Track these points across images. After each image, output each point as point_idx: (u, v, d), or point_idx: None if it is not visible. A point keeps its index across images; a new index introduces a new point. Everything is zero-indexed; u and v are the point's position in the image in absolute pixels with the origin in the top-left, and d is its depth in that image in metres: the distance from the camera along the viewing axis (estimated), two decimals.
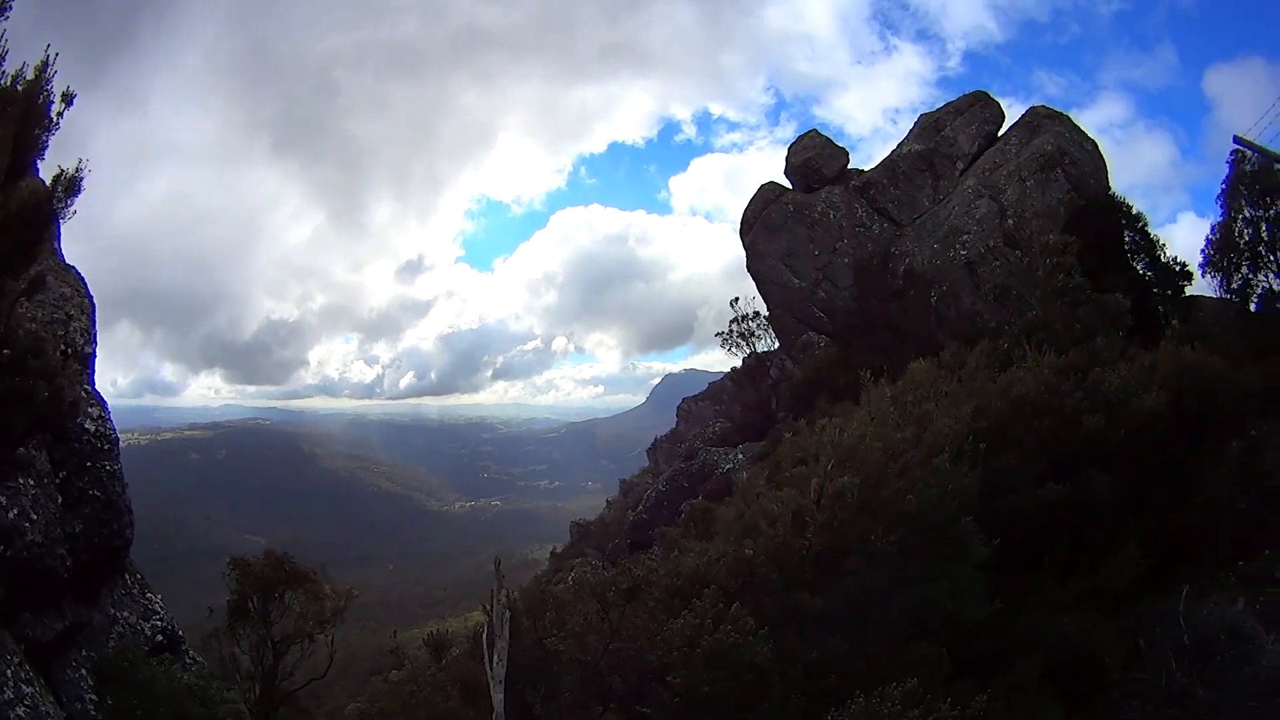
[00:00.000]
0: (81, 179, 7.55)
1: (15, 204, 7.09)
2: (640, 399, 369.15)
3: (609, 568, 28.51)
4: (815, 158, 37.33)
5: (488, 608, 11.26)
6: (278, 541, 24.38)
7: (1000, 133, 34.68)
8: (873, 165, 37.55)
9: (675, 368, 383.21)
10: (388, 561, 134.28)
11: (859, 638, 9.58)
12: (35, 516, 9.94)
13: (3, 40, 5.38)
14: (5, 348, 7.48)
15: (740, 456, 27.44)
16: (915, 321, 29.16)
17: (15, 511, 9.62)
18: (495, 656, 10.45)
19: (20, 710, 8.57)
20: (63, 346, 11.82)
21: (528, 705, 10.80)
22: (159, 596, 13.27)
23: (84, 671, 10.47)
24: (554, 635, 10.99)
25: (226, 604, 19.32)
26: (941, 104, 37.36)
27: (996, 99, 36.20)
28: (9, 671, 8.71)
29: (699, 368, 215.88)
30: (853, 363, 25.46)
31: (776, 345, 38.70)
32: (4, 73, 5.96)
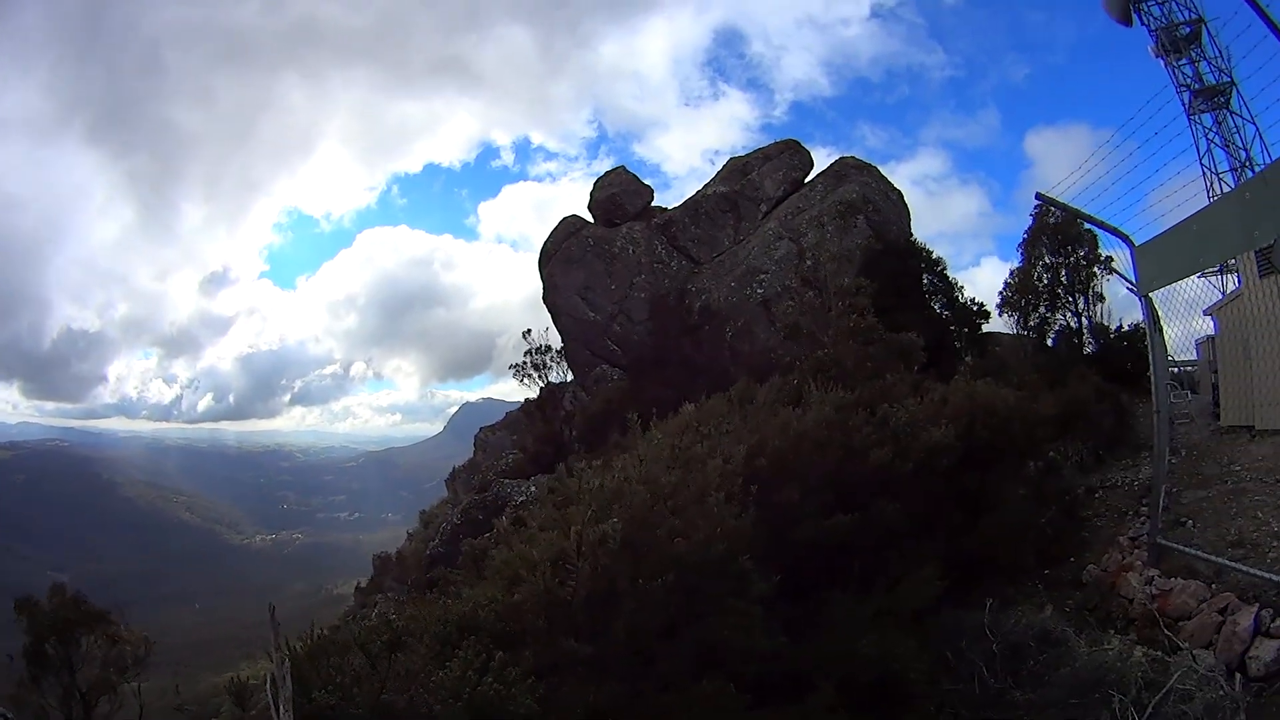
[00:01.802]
0: None
1: None
2: (438, 427, 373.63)
3: (409, 603, 27.88)
4: (620, 194, 38.04)
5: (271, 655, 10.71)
6: (81, 576, 22.61)
7: (808, 179, 35.83)
8: (677, 204, 38.35)
9: (473, 396, 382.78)
10: (194, 599, 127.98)
11: (639, 679, 9.36)
12: None
13: None
14: None
15: (532, 489, 27.15)
16: (710, 356, 29.79)
17: None
18: (281, 708, 9.93)
19: None
20: None
21: None
22: None
23: None
24: (329, 686, 10.49)
25: (22, 651, 17.93)
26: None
27: (806, 148, 37.78)
28: None
29: (497, 397, 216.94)
30: (644, 396, 25.62)
31: (570, 377, 38.78)
32: None
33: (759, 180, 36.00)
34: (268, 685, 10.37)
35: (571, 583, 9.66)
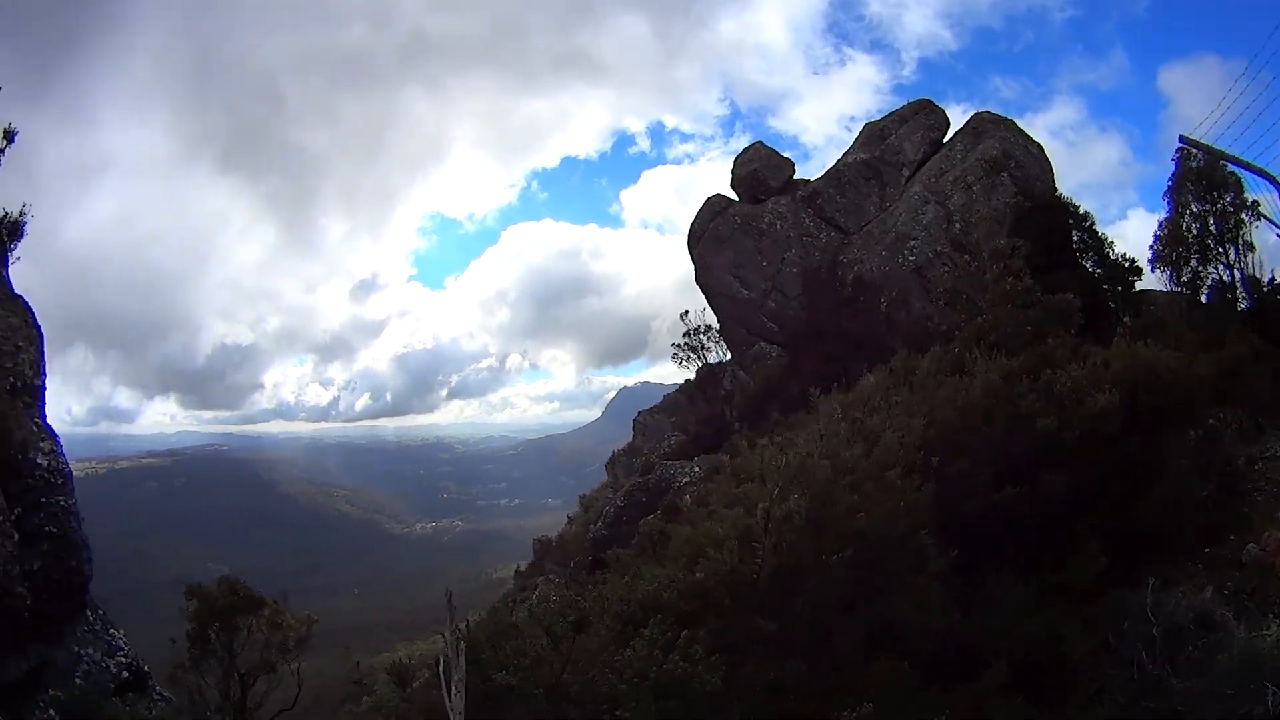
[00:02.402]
0: (24, 224, 7.50)
1: None
2: (596, 413, 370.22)
3: (570, 586, 28.41)
4: (761, 169, 37.69)
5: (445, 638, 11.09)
6: (240, 569, 23.90)
7: (945, 139, 35.08)
8: (819, 175, 37.79)
9: (630, 381, 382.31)
10: (353, 587, 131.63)
11: (818, 657, 9.47)
12: None
13: None
14: None
15: (696, 470, 27.16)
16: (866, 328, 29.37)
17: None
18: (454, 688, 10.24)
19: None
20: (11, 380, 11.69)
21: None
22: (122, 632, 13.11)
23: (52, 712, 10.37)
24: (510, 667, 10.80)
25: (186, 635, 19.09)
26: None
27: (940, 106, 36.66)
28: None
29: (653, 380, 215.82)
30: (803, 372, 25.56)
31: (729, 356, 38.93)
32: None
33: (898, 144, 35.30)
34: (439, 666, 10.86)
35: (756, 560, 9.89)
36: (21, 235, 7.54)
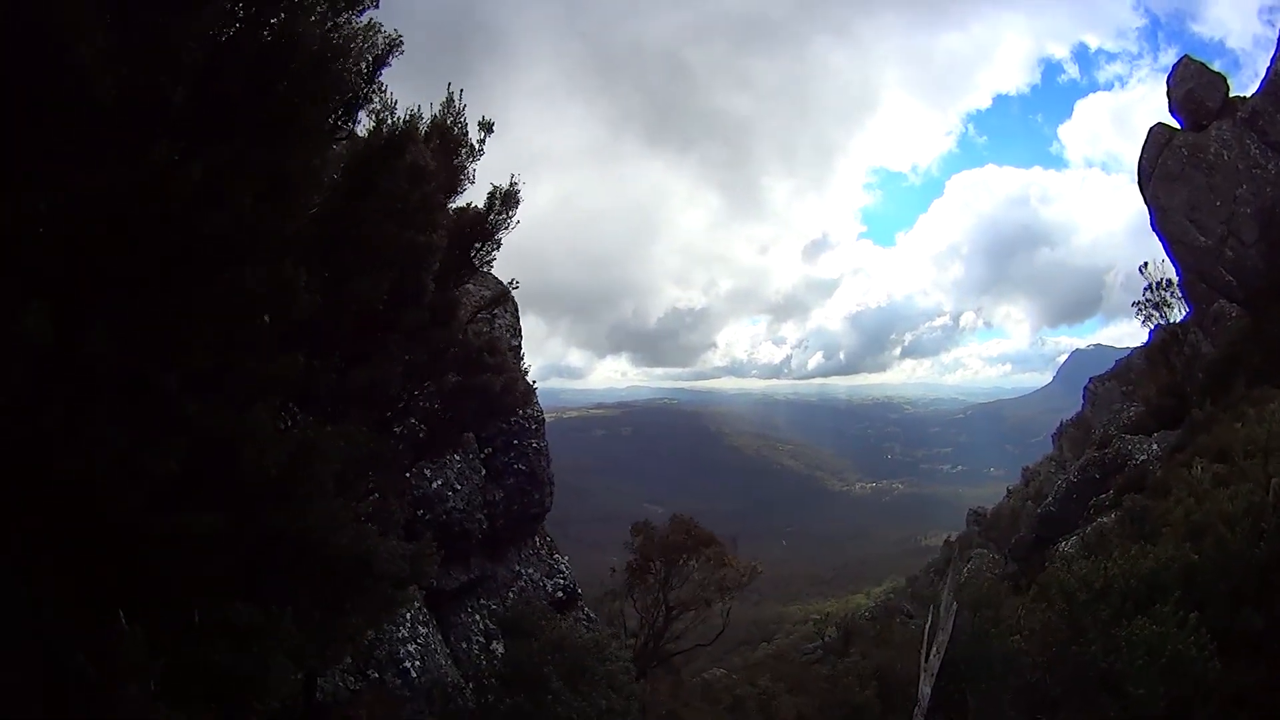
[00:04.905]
0: (518, 191, 8.54)
1: (458, 220, 8.22)
2: (1048, 377, 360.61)
3: (1009, 563, 27.65)
4: (1196, 88, 32.18)
5: (935, 602, 11.16)
6: (676, 511, 25.50)
7: None
8: (1253, 89, 31.89)
9: (1083, 343, 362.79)
10: (781, 538, 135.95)
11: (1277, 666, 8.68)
12: (459, 487, 11.65)
13: (387, 91, 6.23)
14: (459, 347, 8.58)
15: (1154, 447, 25.19)
16: None
17: (440, 482, 11.30)
18: (934, 649, 10.37)
19: (411, 647, 10.12)
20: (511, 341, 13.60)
21: (953, 703, 10.56)
22: (565, 558, 14.86)
23: (477, 618, 12.10)
24: (998, 633, 10.78)
25: (627, 565, 20.75)
26: None
27: None
28: (408, 614, 10.22)
29: (1107, 343, 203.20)
30: (1268, 337, 22.70)
31: (1187, 314, 34.83)
32: (397, 113, 6.82)
33: None
34: (926, 624, 11.04)
35: (1261, 543, 9.40)
36: (517, 203, 8.57)
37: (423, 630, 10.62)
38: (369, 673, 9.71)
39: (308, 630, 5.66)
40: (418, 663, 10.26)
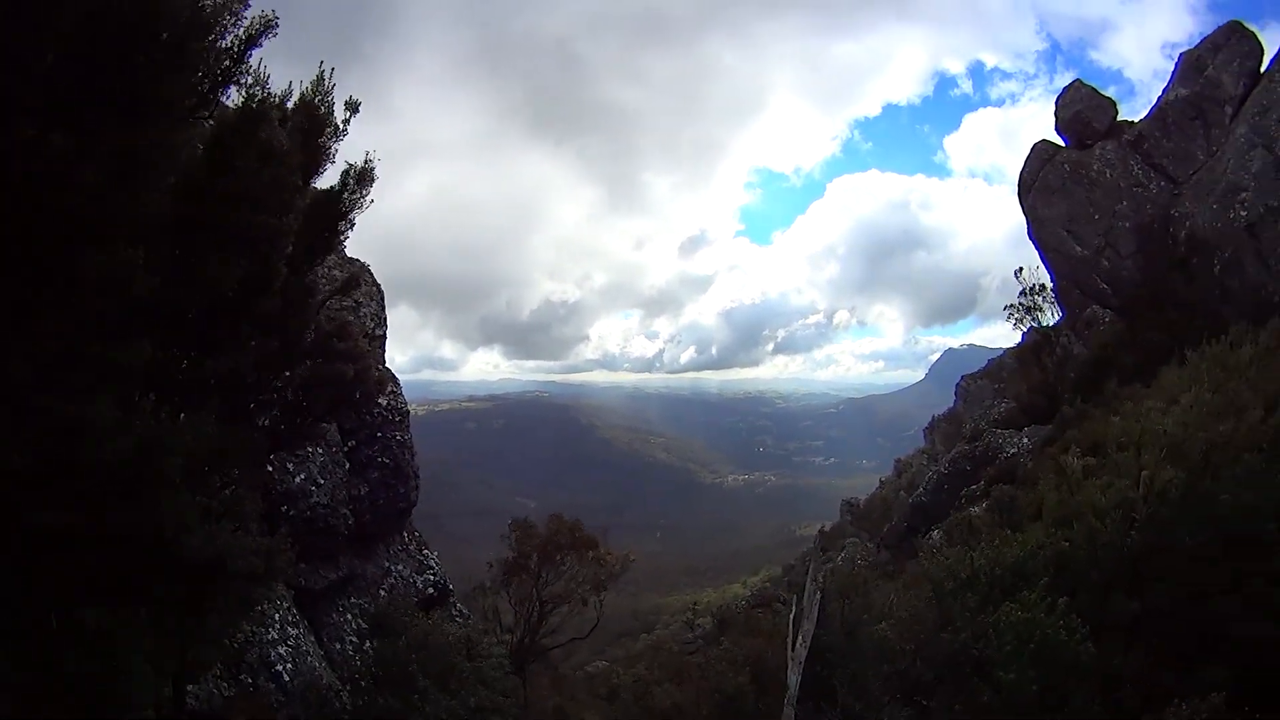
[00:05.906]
0: (373, 168, 8.25)
1: (312, 202, 7.92)
2: (920, 375, 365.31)
3: (881, 552, 28.31)
4: (1084, 110, 34.31)
5: (799, 589, 11.16)
6: (549, 506, 25.54)
7: (1263, 69, 30.85)
8: (1144, 115, 33.76)
9: (956, 342, 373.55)
10: (655, 530, 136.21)
11: (1158, 650, 8.92)
12: (322, 481, 11.33)
13: (262, 66, 6.02)
14: (313, 334, 8.28)
15: (1025, 441, 26.21)
16: (1199, 293, 26.74)
17: (302, 476, 10.95)
18: (800, 638, 10.39)
19: (283, 649, 9.84)
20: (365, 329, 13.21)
21: (825, 691, 10.41)
22: (434, 553, 14.65)
23: (349, 617, 11.84)
24: (868, 620, 10.84)
25: (504, 561, 20.70)
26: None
27: (1250, 28, 32.13)
28: (276, 615, 9.92)
29: (979, 343, 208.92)
30: (1139, 341, 23.87)
31: (1059, 319, 36.63)
32: (270, 90, 6.56)
33: (1216, 75, 30.54)
34: (791, 613, 11.09)
35: (1132, 533, 9.63)
36: (371, 181, 8.28)
37: (293, 631, 10.30)
38: (241, 677, 9.36)
39: (164, 633, 5.42)
40: (290, 665, 9.94)
